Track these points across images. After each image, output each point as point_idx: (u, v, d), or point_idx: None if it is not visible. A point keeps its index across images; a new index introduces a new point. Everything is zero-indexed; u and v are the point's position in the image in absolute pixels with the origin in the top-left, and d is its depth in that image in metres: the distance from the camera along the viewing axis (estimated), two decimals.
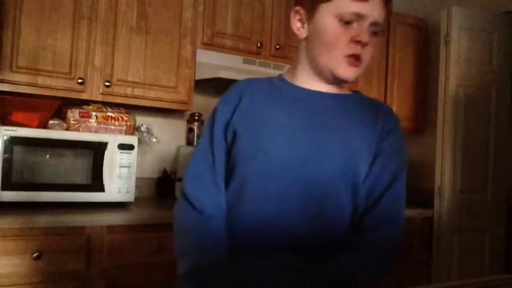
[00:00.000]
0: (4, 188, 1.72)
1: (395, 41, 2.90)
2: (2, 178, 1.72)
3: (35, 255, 1.58)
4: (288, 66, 2.42)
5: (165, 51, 2.16)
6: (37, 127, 1.88)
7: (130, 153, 1.98)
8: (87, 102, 2.04)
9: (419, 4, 3.16)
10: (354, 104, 0.99)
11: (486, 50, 2.65)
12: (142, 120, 2.31)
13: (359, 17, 0.87)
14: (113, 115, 2.05)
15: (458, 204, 2.57)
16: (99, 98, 2.04)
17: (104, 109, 2.06)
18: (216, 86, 2.44)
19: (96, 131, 1.98)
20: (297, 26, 0.99)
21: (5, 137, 1.73)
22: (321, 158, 0.90)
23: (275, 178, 0.90)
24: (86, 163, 1.90)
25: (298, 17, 0.98)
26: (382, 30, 0.92)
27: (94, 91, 2.03)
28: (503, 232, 2.69)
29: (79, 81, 1.98)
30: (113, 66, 2.06)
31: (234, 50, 2.33)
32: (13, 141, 1.75)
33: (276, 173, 0.90)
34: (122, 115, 2.08)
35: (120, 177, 1.95)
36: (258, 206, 0.90)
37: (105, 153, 1.92)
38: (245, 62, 2.31)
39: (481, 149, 2.64)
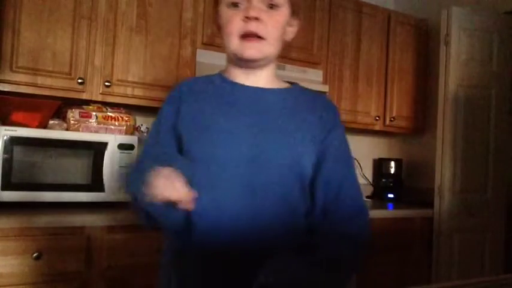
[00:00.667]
0: (4, 188, 1.72)
1: (395, 41, 2.90)
2: (2, 178, 1.71)
3: (35, 255, 1.58)
4: (288, 66, 2.44)
5: (165, 51, 2.16)
6: (37, 127, 1.88)
7: (131, 153, 1.98)
8: (87, 102, 2.04)
9: (419, 4, 3.16)
10: (294, 98, 0.98)
11: (486, 50, 2.65)
12: (142, 120, 2.31)
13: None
14: (113, 115, 2.06)
15: (458, 204, 2.57)
16: (99, 98, 2.04)
17: (104, 109, 2.06)
18: None
19: (96, 131, 1.98)
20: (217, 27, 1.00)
21: (5, 137, 1.73)
22: (267, 157, 0.89)
23: (223, 182, 0.89)
24: (86, 163, 1.90)
25: (216, 23, 1.00)
26: (282, 2, 0.91)
27: (94, 91, 2.02)
28: (503, 232, 2.69)
29: (79, 81, 1.98)
30: (113, 66, 2.06)
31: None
32: (13, 141, 1.75)
33: (224, 177, 0.89)
34: (122, 115, 2.08)
35: (120, 177, 1.95)
36: (209, 213, 0.88)
37: (105, 153, 1.92)
38: None
39: (481, 149, 2.64)
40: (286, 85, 1.01)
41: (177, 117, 0.95)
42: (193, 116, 0.94)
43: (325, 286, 0.85)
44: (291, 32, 0.99)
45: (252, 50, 0.90)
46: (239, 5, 0.89)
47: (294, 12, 0.96)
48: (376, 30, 2.85)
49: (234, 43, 0.90)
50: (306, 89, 1.03)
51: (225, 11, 0.91)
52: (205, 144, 0.91)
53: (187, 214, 0.86)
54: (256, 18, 0.87)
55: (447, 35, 2.57)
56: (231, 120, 0.92)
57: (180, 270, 0.92)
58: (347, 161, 0.97)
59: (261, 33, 0.89)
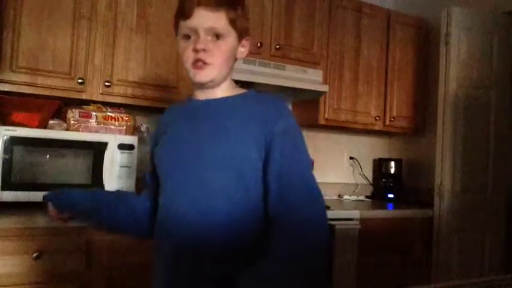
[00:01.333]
0: (4, 188, 1.72)
1: (395, 41, 2.91)
2: (2, 178, 1.72)
3: (35, 255, 1.58)
4: (288, 66, 2.44)
5: (165, 51, 2.16)
6: (37, 127, 1.88)
7: (131, 153, 1.98)
8: (87, 102, 2.04)
9: (419, 4, 3.16)
10: (243, 101, 1.10)
11: (486, 50, 2.65)
12: (142, 120, 2.31)
13: (191, 30, 1.03)
14: (113, 115, 2.06)
15: (458, 204, 2.57)
16: (99, 98, 2.04)
17: (104, 109, 2.06)
18: None
19: (96, 131, 1.98)
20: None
21: (5, 137, 1.73)
22: (208, 157, 1.03)
23: (174, 184, 1.07)
24: (86, 163, 1.90)
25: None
26: (226, 32, 1.05)
27: (94, 91, 2.03)
28: (503, 232, 2.69)
29: (79, 81, 1.98)
30: (113, 66, 2.06)
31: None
32: (13, 141, 1.75)
33: (175, 176, 1.07)
34: (121, 115, 2.08)
35: (120, 177, 1.95)
36: (164, 210, 1.08)
37: (105, 153, 1.92)
38: (245, 62, 2.32)
39: (480, 148, 2.64)
40: (241, 91, 1.14)
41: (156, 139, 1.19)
42: (165, 134, 1.15)
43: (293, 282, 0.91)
44: (243, 51, 1.13)
45: (199, 75, 1.05)
46: (190, 36, 1.04)
47: (242, 35, 1.10)
48: (376, 30, 2.85)
49: (189, 70, 1.06)
50: (259, 93, 1.14)
51: (181, 43, 1.07)
52: (164, 157, 1.12)
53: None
54: (204, 50, 1.02)
55: (447, 35, 2.57)
56: (192, 131, 1.08)
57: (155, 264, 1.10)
58: (294, 149, 1.05)
59: (207, 61, 1.03)
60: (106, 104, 2.08)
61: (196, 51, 1.03)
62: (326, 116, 2.66)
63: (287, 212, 0.97)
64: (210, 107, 1.10)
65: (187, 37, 1.04)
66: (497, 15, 2.68)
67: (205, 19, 1.02)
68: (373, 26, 2.84)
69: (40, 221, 1.62)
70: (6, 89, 1.85)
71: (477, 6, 2.73)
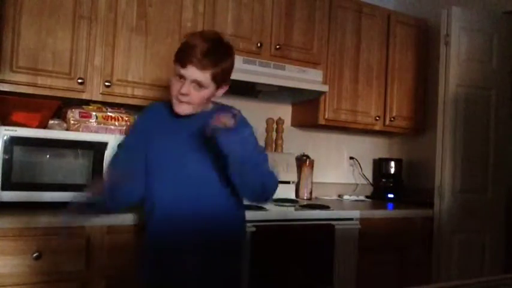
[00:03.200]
0: (4, 188, 1.72)
1: (396, 41, 2.91)
2: (2, 178, 1.71)
3: (35, 255, 1.58)
4: (288, 66, 2.44)
5: (165, 51, 2.16)
6: (37, 127, 1.88)
7: None
8: (87, 102, 2.04)
9: (419, 4, 3.17)
10: (205, 115, 1.39)
11: (486, 50, 2.65)
12: None
13: (182, 77, 1.37)
14: (113, 115, 2.05)
15: (458, 204, 2.57)
16: (99, 98, 2.04)
17: (104, 109, 2.06)
18: None
19: (96, 131, 1.98)
20: None
21: (5, 137, 1.73)
22: (188, 162, 1.42)
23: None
24: (86, 163, 1.90)
25: None
26: (208, 85, 1.38)
27: (94, 91, 2.03)
28: (503, 232, 2.69)
29: (79, 81, 1.98)
30: (113, 66, 2.06)
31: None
32: (13, 141, 1.75)
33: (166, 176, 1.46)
34: (122, 115, 2.08)
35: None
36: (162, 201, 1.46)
37: (105, 153, 1.92)
38: (245, 62, 2.32)
39: (481, 149, 2.64)
40: (208, 107, 1.49)
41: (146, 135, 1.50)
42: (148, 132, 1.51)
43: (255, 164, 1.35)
44: (221, 91, 1.45)
45: (180, 109, 1.41)
46: (182, 80, 1.37)
47: (221, 84, 1.42)
48: (376, 30, 2.85)
49: (173, 101, 1.41)
50: (219, 106, 1.51)
51: (173, 79, 1.40)
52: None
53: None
54: (186, 94, 1.37)
55: (447, 35, 2.58)
56: (171, 140, 1.46)
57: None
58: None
59: (188, 101, 1.39)
60: (106, 104, 2.08)
61: (179, 93, 1.37)
62: (326, 116, 2.66)
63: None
64: (183, 123, 1.45)
65: (180, 77, 1.36)
66: (497, 15, 2.68)
67: (193, 74, 1.35)
68: (373, 26, 2.84)
69: (40, 221, 1.62)
70: (6, 89, 1.85)
71: (477, 6, 2.74)
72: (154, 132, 1.48)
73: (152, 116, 1.54)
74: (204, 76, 1.35)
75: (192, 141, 1.39)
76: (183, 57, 1.35)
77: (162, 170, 1.44)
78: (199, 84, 1.36)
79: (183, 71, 1.35)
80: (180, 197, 1.41)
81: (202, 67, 1.34)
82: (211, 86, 1.39)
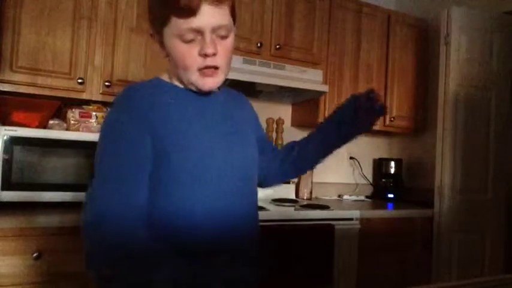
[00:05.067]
0: (4, 188, 1.72)
1: (396, 41, 2.91)
2: (2, 178, 1.72)
3: (35, 255, 1.58)
4: (288, 66, 2.44)
5: None
6: (37, 127, 1.88)
7: None
8: (87, 102, 2.04)
9: (419, 4, 3.17)
10: (225, 97, 1.09)
11: (486, 50, 2.65)
12: None
13: (196, 31, 0.89)
14: None
15: (458, 204, 2.57)
16: (99, 98, 2.04)
17: (104, 109, 2.06)
18: None
19: (96, 131, 1.98)
20: (158, 47, 1.03)
21: (5, 137, 1.73)
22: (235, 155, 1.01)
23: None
24: (86, 163, 1.90)
25: (156, 40, 1.01)
26: (231, 28, 0.94)
27: (94, 91, 2.03)
28: (503, 232, 2.69)
29: (79, 81, 1.98)
30: (113, 66, 2.06)
31: (234, 50, 2.33)
32: (13, 141, 1.75)
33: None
34: None
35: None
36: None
37: None
38: (245, 62, 2.32)
39: (481, 149, 2.64)
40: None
41: (150, 140, 0.93)
42: (171, 131, 0.94)
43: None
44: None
45: (209, 83, 0.95)
46: (194, 40, 0.91)
47: (234, 23, 0.99)
48: (376, 30, 2.85)
49: (192, 76, 0.94)
50: (224, 87, 1.13)
51: (178, 45, 0.92)
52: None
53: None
54: (214, 54, 0.91)
55: (447, 35, 2.58)
56: (197, 125, 0.97)
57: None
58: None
59: (217, 64, 0.93)
60: (106, 104, 2.08)
61: (204, 56, 0.91)
62: (326, 116, 2.65)
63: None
64: (209, 103, 1.02)
65: (187, 37, 0.90)
66: (497, 15, 2.68)
67: (212, 15, 0.89)
68: (373, 26, 2.84)
69: (40, 221, 1.62)
70: (6, 89, 1.85)
71: (477, 6, 2.73)
72: (171, 127, 0.94)
73: (152, 106, 0.97)
74: (225, 15, 0.92)
75: (232, 124, 1.02)
76: (188, 1, 0.87)
77: (205, 169, 0.94)
78: (224, 30, 0.92)
79: (196, 21, 0.88)
80: (232, 195, 0.98)
81: (218, 0, 0.90)
82: (233, 30, 0.97)
